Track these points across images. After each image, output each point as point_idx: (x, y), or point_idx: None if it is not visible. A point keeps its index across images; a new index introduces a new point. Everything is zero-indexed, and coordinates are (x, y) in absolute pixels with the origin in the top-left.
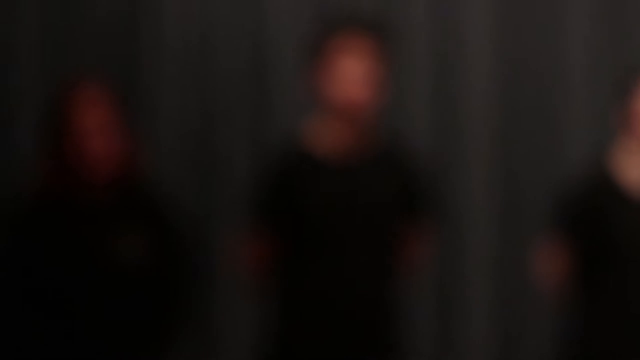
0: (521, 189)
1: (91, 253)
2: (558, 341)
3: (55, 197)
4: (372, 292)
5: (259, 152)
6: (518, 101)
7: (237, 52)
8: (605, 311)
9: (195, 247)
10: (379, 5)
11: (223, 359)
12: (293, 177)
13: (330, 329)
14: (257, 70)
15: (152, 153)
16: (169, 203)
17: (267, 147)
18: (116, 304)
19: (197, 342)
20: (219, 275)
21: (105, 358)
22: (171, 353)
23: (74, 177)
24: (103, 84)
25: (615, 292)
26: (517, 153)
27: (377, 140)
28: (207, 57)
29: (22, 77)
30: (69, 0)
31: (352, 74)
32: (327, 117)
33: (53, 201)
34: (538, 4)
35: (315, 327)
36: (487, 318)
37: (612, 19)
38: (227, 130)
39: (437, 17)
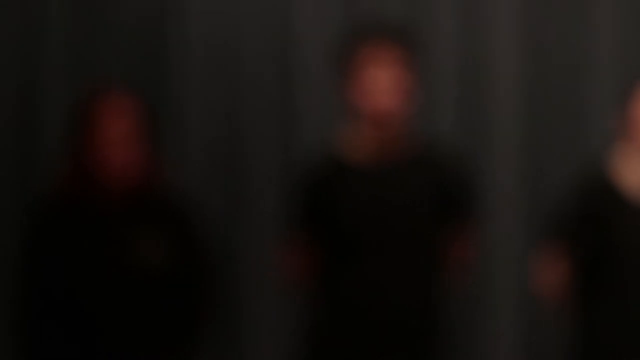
0: (548, 189)
1: (110, 257)
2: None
3: (75, 202)
4: (411, 297)
5: (287, 158)
6: (545, 102)
7: (265, 58)
8: (606, 318)
9: (218, 253)
10: (404, 8)
11: None
12: (329, 185)
13: (368, 336)
14: (284, 76)
15: (178, 160)
16: (192, 209)
17: (294, 153)
18: (136, 308)
19: (224, 348)
20: (249, 282)
21: None
22: (194, 358)
23: (95, 183)
24: (128, 91)
25: (616, 298)
26: (545, 154)
27: (411, 145)
28: (235, 65)
29: (49, 82)
30: (95, 7)
31: (381, 84)
32: (359, 125)
33: (73, 206)
34: (563, 3)
35: (353, 333)
36: (512, 321)
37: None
38: (254, 136)
39: (462, 18)
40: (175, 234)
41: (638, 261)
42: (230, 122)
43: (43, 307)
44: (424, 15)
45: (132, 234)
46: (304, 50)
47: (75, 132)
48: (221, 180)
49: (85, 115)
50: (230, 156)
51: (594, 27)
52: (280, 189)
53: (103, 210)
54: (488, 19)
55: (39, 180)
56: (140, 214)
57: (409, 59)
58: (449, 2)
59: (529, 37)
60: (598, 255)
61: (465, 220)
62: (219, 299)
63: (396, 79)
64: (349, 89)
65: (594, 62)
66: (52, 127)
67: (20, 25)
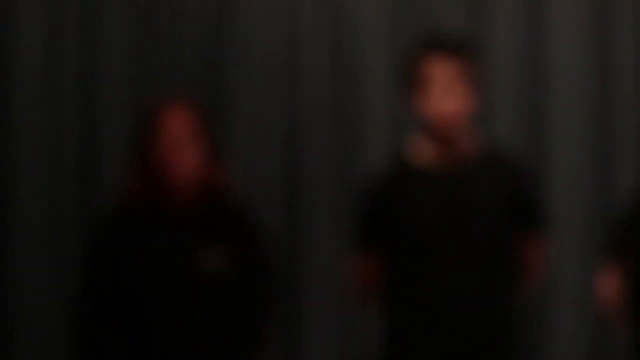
0: (610, 197)
1: (174, 263)
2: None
3: (140, 209)
4: (481, 304)
5: (351, 168)
6: (606, 111)
7: (324, 70)
8: None
9: (278, 260)
10: (468, 18)
11: None
12: (398, 192)
13: (443, 345)
14: (345, 86)
15: (239, 168)
16: (253, 216)
17: (357, 164)
18: (197, 314)
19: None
20: (314, 290)
21: None
22: None
23: (159, 190)
24: (190, 101)
25: None
26: (606, 161)
27: (475, 151)
28: (294, 77)
29: (111, 97)
30: (156, 23)
31: (446, 95)
32: (425, 135)
33: (138, 212)
34: (620, 9)
35: (428, 343)
36: (574, 327)
37: None
38: (315, 147)
39: (522, 29)
40: (239, 240)
41: None
42: (292, 135)
43: (104, 312)
44: (481, 25)
45: (195, 239)
46: (367, 63)
47: (139, 141)
48: (285, 190)
49: (149, 123)
50: (294, 166)
51: None
52: (344, 198)
53: (167, 216)
54: (551, 26)
55: (104, 190)
56: (204, 219)
57: (471, 70)
58: (508, 13)
59: (594, 45)
60: None
61: (537, 228)
62: (280, 306)
63: (460, 89)
64: (415, 101)
65: None
66: (115, 137)
67: (84, 39)
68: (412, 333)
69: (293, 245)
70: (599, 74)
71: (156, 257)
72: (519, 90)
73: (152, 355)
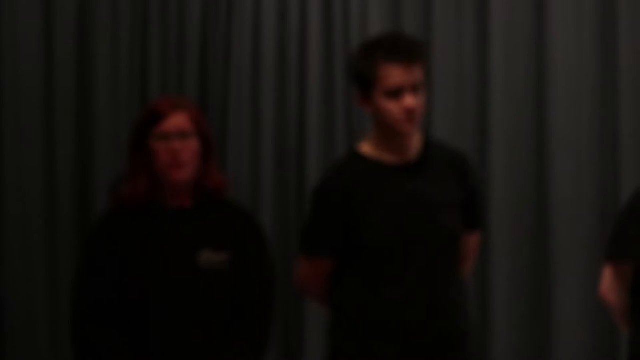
0: (611, 197)
1: (171, 263)
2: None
3: (136, 208)
4: (447, 295)
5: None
6: (606, 111)
7: (323, 71)
8: None
9: (272, 265)
10: (464, 18)
11: None
12: (357, 185)
13: (409, 339)
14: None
15: (236, 168)
16: (250, 215)
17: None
18: (197, 313)
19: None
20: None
21: None
22: None
23: (155, 189)
24: (187, 101)
25: None
26: (607, 161)
27: (425, 145)
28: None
29: (106, 98)
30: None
31: (405, 95)
32: (382, 132)
33: (134, 212)
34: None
35: (394, 336)
36: (575, 325)
37: None
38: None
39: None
40: (238, 240)
41: None
42: (288, 136)
43: (102, 313)
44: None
45: (194, 239)
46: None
47: (136, 140)
48: (284, 190)
49: (146, 123)
50: (293, 166)
51: None
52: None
53: (165, 216)
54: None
55: (99, 190)
56: (202, 218)
57: (425, 69)
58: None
59: (594, 45)
60: None
61: (481, 224)
62: (279, 306)
63: (418, 89)
64: (371, 100)
65: None
66: (111, 137)
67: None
68: (381, 327)
69: (292, 245)
70: (599, 74)
71: (154, 257)
72: (519, 90)
73: (152, 356)
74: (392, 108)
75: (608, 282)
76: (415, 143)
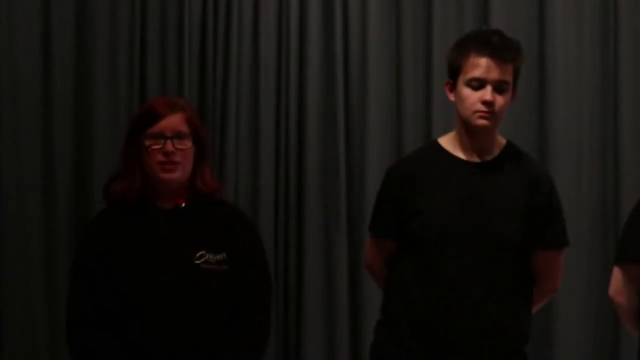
0: (612, 197)
1: (168, 264)
2: None
3: (131, 209)
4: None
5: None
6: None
7: (322, 71)
8: None
9: (267, 264)
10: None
11: None
12: (422, 177)
13: (446, 346)
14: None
15: (234, 169)
16: (246, 216)
17: (353, 168)
18: (194, 314)
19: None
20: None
21: None
22: None
23: (150, 190)
24: (183, 102)
25: None
26: (608, 161)
27: (508, 151)
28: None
29: (103, 98)
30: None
31: (487, 94)
32: (459, 128)
33: (129, 212)
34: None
35: (431, 340)
36: (577, 327)
37: None
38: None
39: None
40: (234, 241)
41: None
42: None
43: (98, 313)
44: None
45: (189, 240)
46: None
47: (132, 140)
48: (282, 190)
49: (142, 123)
50: (291, 167)
51: None
52: (342, 200)
53: (160, 216)
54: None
55: (95, 191)
56: (197, 219)
57: (516, 74)
58: None
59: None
60: None
61: (553, 245)
62: (272, 305)
63: (502, 89)
64: (455, 89)
65: None
66: (108, 138)
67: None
68: (415, 328)
69: (290, 246)
70: (599, 74)
71: (150, 258)
72: (519, 90)
73: (149, 357)
74: (470, 96)
75: (617, 284)
76: (494, 146)
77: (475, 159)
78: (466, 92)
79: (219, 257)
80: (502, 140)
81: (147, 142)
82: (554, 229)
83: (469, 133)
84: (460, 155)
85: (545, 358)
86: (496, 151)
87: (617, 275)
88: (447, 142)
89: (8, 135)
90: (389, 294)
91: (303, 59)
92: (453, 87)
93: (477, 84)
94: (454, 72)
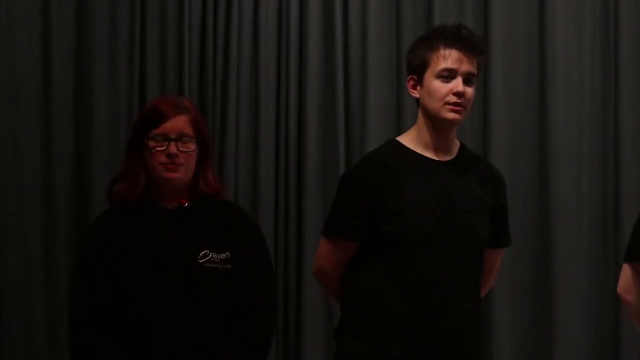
0: (613, 197)
1: (171, 263)
2: None
3: (134, 208)
4: (467, 301)
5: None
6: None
7: (321, 71)
8: None
9: (270, 264)
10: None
11: None
12: (392, 176)
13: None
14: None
15: (235, 169)
16: (249, 216)
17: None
18: (196, 313)
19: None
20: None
21: None
22: None
23: (153, 190)
24: (187, 102)
25: None
26: (608, 161)
27: (465, 153)
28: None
29: (103, 98)
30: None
31: (455, 89)
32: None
33: (132, 212)
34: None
35: (409, 335)
36: (577, 328)
37: None
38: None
39: (523, 29)
40: (236, 240)
41: None
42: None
43: (99, 312)
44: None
45: (191, 239)
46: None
47: (135, 140)
48: (282, 190)
49: (146, 123)
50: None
51: None
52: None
53: (162, 216)
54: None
55: (96, 191)
56: (199, 219)
57: (481, 66)
58: None
59: (594, 45)
60: None
61: (505, 243)
62: (276, 305)
63: (470, 82)
64: (421, 85)
65: None
66: (108, 138)
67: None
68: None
69: (290, 246)
70: (600, 74)
71: (153, 257)
72: (519, 91)
73: (151, 357)
74: (440, 88)
75: (626, 282)
76: (454, 145)
77: (443, 158)
78: (436, 84)
79: (222, 255)
80: (457, 141)
81: (151, 143)
82: (507, 228)
83: (435, 130)
84: (426, 154)
85: (545, 358)
86: (455, 150)
87: (626, 273)
88: (409, 141)
89: (8, 135)
90: (357, 299)
91: (303, 59)
92: (418, 83)
93: (448, 74)
94: (420, 67)
